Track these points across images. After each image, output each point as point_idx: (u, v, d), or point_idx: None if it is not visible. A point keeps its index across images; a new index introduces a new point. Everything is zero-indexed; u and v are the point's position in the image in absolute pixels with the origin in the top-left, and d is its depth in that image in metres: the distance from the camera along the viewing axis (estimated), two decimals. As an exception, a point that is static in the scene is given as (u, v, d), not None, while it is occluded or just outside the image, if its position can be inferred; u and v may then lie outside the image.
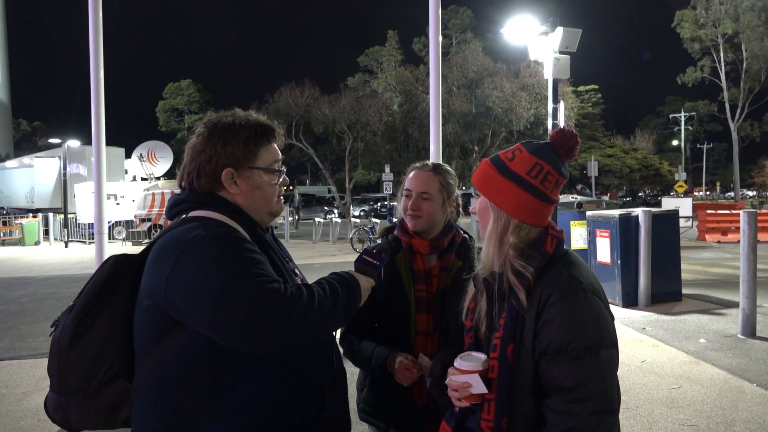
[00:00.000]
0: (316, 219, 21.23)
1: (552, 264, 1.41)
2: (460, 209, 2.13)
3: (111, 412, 1.43)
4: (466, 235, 2.08)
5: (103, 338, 1.41)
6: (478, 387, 1.38)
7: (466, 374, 1.40)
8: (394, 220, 2.15)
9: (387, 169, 28.36)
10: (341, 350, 1.78)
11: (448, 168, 2.08)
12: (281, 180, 1.60)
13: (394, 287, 1.96)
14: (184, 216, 1.48)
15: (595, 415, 1.29)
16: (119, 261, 1.46)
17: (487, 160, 1.53)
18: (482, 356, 1.43)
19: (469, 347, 1.53)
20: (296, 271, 1.65)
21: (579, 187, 31.55)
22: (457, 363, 1.42)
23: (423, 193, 1.97)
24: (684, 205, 19.70)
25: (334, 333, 1.60)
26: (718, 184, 72.75)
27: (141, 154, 27.96)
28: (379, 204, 36.21)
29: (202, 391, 1.34)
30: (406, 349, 1.90)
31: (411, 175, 2.03)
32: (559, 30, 8.51)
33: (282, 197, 1.64)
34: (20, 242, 20.76)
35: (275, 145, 1.60)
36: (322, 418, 1.48)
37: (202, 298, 1.27)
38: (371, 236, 16.00)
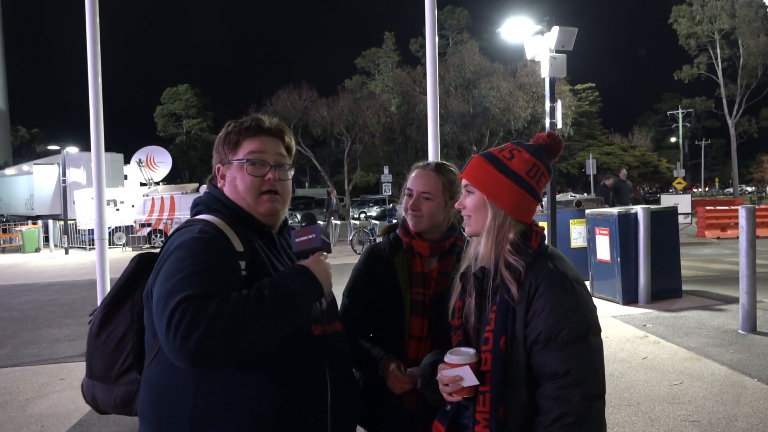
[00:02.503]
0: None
1: (538, 258, 1.47)
2: None
3: (127, 401, 1.54)
4: (468, 239, 2.02)
5: (123, 330, 1.54)
6: (470, 379, 1.41)
7: (457, 368, 1.42)
8: (394, 221, 2.11)
9: (386, 170, 28.34)
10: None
11: (452, 168, 2.02)
12: (262, 173, 1.56)
13: (390, 289, 1.92)
14: (190, 218, 1.59)
15: (587, 399, 1.35)
16: (142, 258, 1.58)
17: (481, 157, 1.55)
18: (471, 350, 1.46)
19: (458, 345, 1.55)
20: None
21: (602, 183, 31.46)
22: (447, 358, 1.46)
23: (424, 192, 1.92)
24: (683, 202, 19.76)
25: (323, 337, 1.53)
26: (716, 180, 72.81)
27: (140, 159, 28.03)
28: (390, 205, 35.43)
29: (190, 389, 1.37)
30: (398, 353, 1.86)
31: (413, 174, 1.99)
32: (555, 29, 8.53)
33: (268, 193, 1.57)
34: (20, 249, 20.76)
35: (264, 139, 1.60)
36: (311, 426, 1.45)
37: (155, 296, 1.34)
38: (371, 238, 15.98)
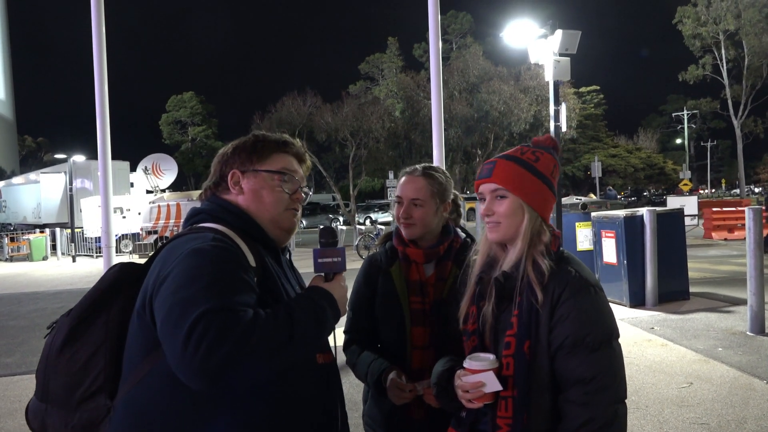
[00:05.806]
0: (321, 227, 21.19)
1: (558, 263, 1.46)
2: (461, 210, 2.04)
3: (88, 428, 1.33)
4: (468, 239, 1.99)
5: (95, 347, 1.34)
6: (493, 385, 1.39)
7: (479, 374, 1.40)
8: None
9: (391, 175, 28.33)
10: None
11: (441, 171, 1.99)
12: (292, 190, 1.53)
13: (389, 300, 1.89)
14: (192, 226, 1.45)
15: (613, 404, 1.36)
16: (124, 268, 1.42)
17: (509, 160, 1.51)
18: (491, 356, 1.44)
19: (473, 351, 1.53)
20: None
21: (608, 188, 31.51)
22: (468, 364, 1.43)
23: (414, 199, 1.88)
24: (689, 204, 19.63)
25: (324, 366, 1.48)
26: (723, 181, 72.41)
27: (146, 167, 28.19)
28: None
29: (185, 418, 1.25)
30: (402, 364, 1.84)
31: (402, 181, 1.95)
32: (559, 32, 8.53)
33: (294, 210, 1.54)
34: (28, 258, 20.85)
35: (294, 159, 1.57)
36: None
37: (163, 306, 1.19)
38: (376, 243, 15.96)
